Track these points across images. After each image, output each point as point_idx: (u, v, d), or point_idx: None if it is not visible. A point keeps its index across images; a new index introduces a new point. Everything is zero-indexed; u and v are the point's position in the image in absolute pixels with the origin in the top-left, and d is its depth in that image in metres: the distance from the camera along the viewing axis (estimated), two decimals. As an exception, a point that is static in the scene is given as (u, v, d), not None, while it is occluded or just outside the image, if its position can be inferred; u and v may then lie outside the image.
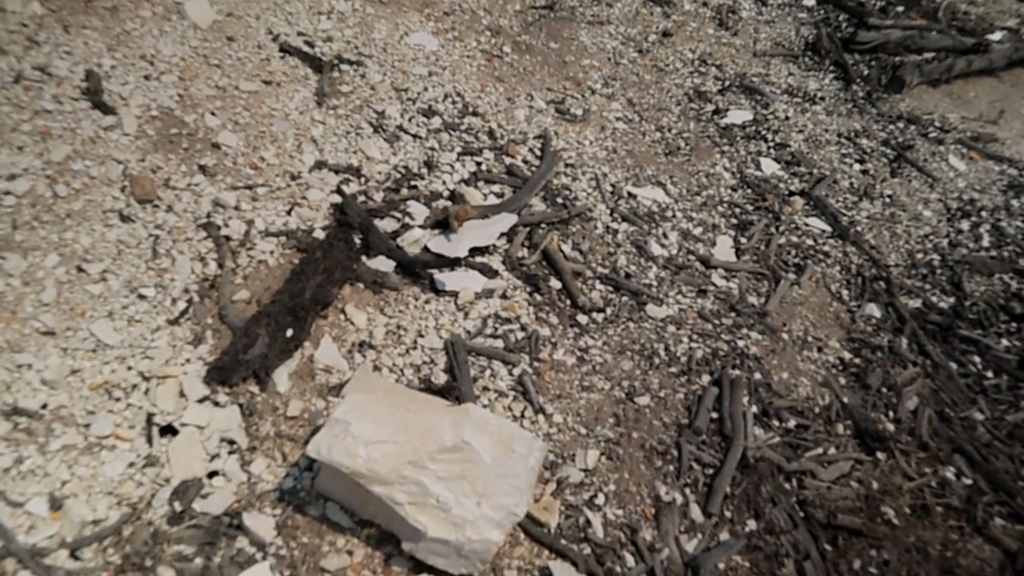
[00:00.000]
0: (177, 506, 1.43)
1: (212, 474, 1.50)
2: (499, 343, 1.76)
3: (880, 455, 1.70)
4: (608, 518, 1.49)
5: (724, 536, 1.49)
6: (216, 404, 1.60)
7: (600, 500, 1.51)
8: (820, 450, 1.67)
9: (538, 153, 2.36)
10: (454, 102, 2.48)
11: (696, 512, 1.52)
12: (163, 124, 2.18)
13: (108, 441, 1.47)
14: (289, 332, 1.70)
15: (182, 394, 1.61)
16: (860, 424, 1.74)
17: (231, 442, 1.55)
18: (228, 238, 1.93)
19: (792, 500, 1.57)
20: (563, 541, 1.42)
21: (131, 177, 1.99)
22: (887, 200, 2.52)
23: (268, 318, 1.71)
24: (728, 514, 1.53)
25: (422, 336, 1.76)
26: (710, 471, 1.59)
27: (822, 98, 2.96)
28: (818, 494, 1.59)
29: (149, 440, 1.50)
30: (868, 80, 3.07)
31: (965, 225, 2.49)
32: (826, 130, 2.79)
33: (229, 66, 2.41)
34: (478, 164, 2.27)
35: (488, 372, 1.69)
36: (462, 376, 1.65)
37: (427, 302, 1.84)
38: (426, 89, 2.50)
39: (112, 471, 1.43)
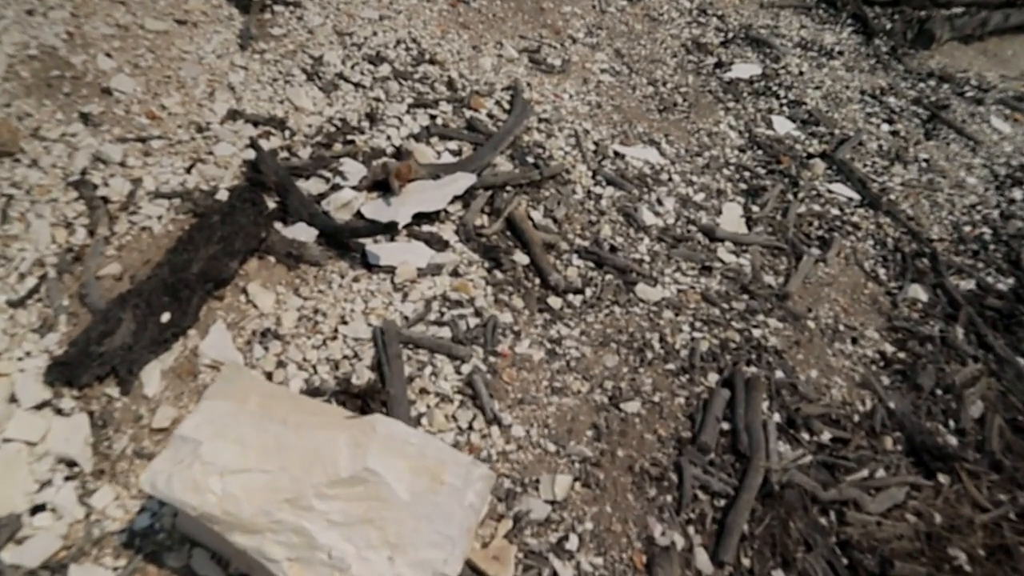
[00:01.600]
0: (-21, 557, 1.02)
1: (37, 509, 1.09)
2: (445, 332, 1.35)
3: (942, 478, 1.29)
4: (583, 570, 1.08)
5: (742, 593, 1.08)
6: (58, 412, 1.19)
7: (572, 544, 1.10)
8: (865, 472, 1.27)
9: (506, 107, 1.95)
10: (408, 49, 2.07)
11: (703, 560, 1.11)
12: (42, 65, 1.76)
13: None
14: (166, 316, 1.28)
15: (13, 398, 1.20)
16: (914, 437, 1.34)
17: (71, 464, 1.14)
18: (106, 199, 1.52)
19: (832, 542, 1.17)
20: (519, 605, 1.02)
21: (-12, 125, 1.57)
22: (923, 165, 2.12)
23: (138, 298, 1.30)
24: (747, 562, 1.12)
25: (345, 323, 1.35)
26: (721, 502, 1.18)
27: (840, 52, 2.55)
28: (865, 532, 1.18)
29: (-52, 464, 1.08)
30: (892, 34, 2.68)
31: (1017, 194, 2.09)
32: (847, 87, 2.38)
33: (136, 2, 2.00)
34: (432, 118, 1.87)
35: (428, 370, 1.29)
36: (392, 374, 1.24)
37: (355, 280, 1.43)
38: (375, 34, 2.09)
39: None
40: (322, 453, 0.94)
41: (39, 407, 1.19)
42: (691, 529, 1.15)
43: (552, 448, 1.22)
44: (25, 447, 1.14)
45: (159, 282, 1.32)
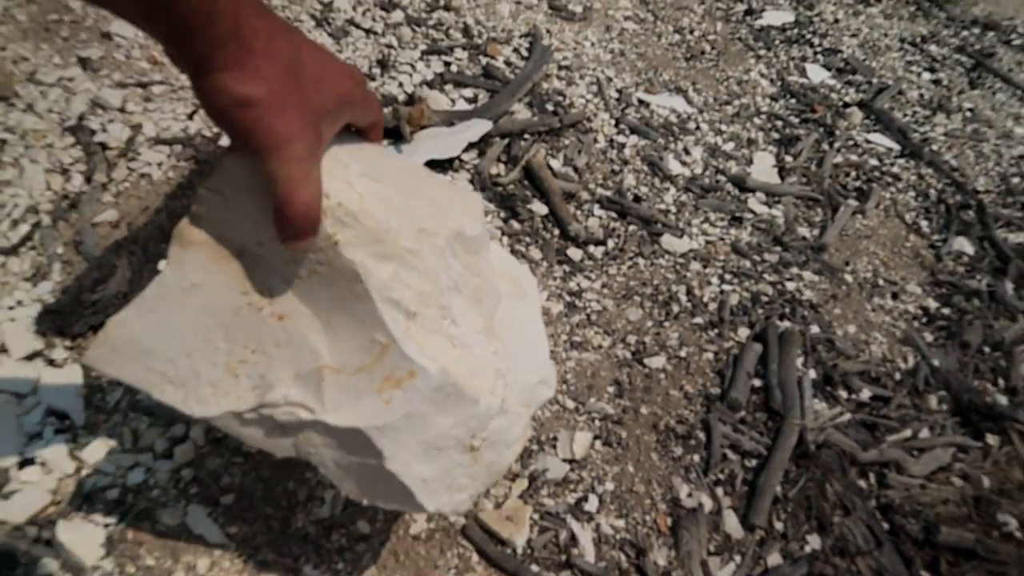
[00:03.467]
0: (-36, 511, 0.96)
1: (26, 463, 1.03)
2: (457, 283, 1.27)
3: (991, 439, 1.20)
4: (603, 532, 1.00)
5: (774, 559, 1.00)
6: (50, 362, 1.13)
7: (592, 505, 1.03)
8: (908, 432, 1.18)
9: (524, 54, 1.85)
10: (421, -8, 1.97)
11: (733, 523, 1.03)
12: (41, 9, 1.69)
13: None
14: (162, 264, 1.21)
15: (3, 348, 1.14)
16: (961, 396, 1.25)
17: (62, 416, 1.08)
18: (104, 145, 1.45)
19: (872, 505, 1.08)
20: (534, 568, 0.94)
21: (-18, 69, 1.50)
22: (968, 115, 1.99)
23: (135, 245, 1.23)
24: (779, 526, 1.04)
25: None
26: (752, 463, 1.10)
27: (878, 0, 2.41)
28: (908, 496, 1.10)
29: (-67, 415, 1.03)
30: (934, -20, 2.52)
31: (1069, 145, 1.96)
32: (885, 34, 2.25)
33: (137, -54, 1.91)
34: (447, 65, 1.77)
35: (439, 321, 1.20)
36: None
37: (363, 229, 1.34)
38: (385, -24, 1.99)
39: None
40: (444, 206, 0.61)
41: (30, 358, 1.13)
42: (720, 491, 1.07)
43: (571, 405, 1.14)
44: (14, 399, 1.08)
45: (156, 228, 1.26)
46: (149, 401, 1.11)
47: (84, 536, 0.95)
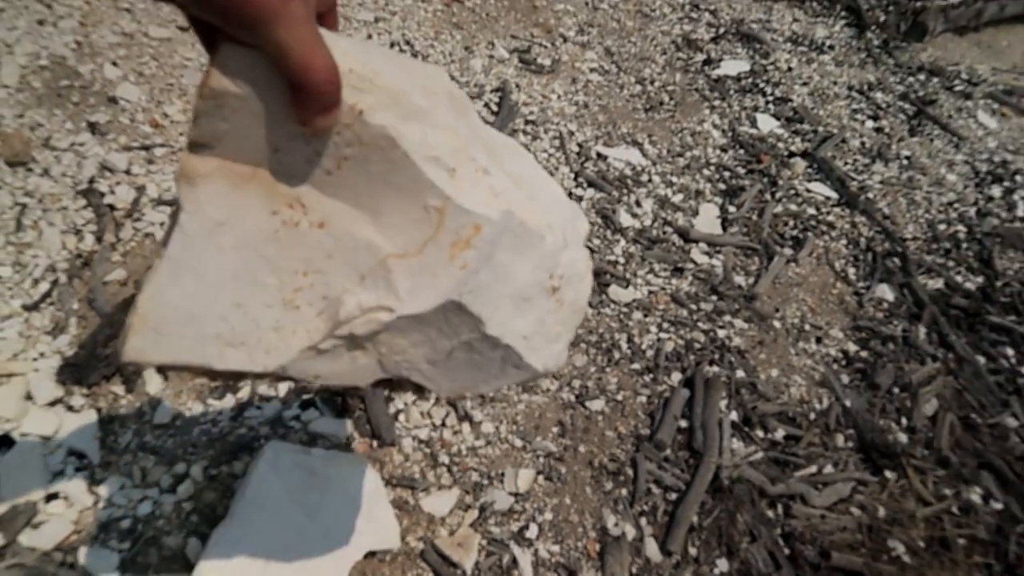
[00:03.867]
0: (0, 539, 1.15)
1: (51, 497, 1.21)
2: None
3: (889, 474, 1.37)
4: (540, 556, 1.18)
5: (687, 580, 1.18)
6: (69, 408, 1.31)
7: (532, 533, 1.20)
8: (814, 468, 1.35)
9: (495, 108, 2.03)
10: (401, 51, 2.14)
11: (652, 548, 1.21)
12: (53, 75, 1.87)
13: (-85, 459, 1.18)
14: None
15: (29, 396, 1.32)
16: (865, 434, 1.42)
17: (80, 456, 1.26)
18: (112, 207, 1.63)
19: (776, 533, 1.26)
20: (480, 588, 1.12)
21: (3, 135, 1.68)
22: (904, 162, 2.17)
23: (141, 303, 1.41)
24: (693, 551, 1.21)
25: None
26: (673, 496, 1.27)
27: (831, 47, 2.58)
28: (809, 525, 1.27)
29: (-29, 456, 1.21)
30: (885, 27, 2.69)
31: (996, 191, 2.13)
32: (835, 82, 2.42)
33: (141, 9, 2.09)
34: (423, 121, 1.94)
35: (407, 369, 1.38)
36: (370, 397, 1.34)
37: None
38: (370, 36, 2.16)
39: (-84, 497, 1.14)
40: (426, 72, 0.56)
41: (52, 404, 1.31)
42: (643, 520, 1.24)
43: (519, 443, 1.32)
44: (40, 441, 1.26)
45: (160, 287, 1.43)
46: (155, 441, 1.29)
47: (102, 560, 1.13)
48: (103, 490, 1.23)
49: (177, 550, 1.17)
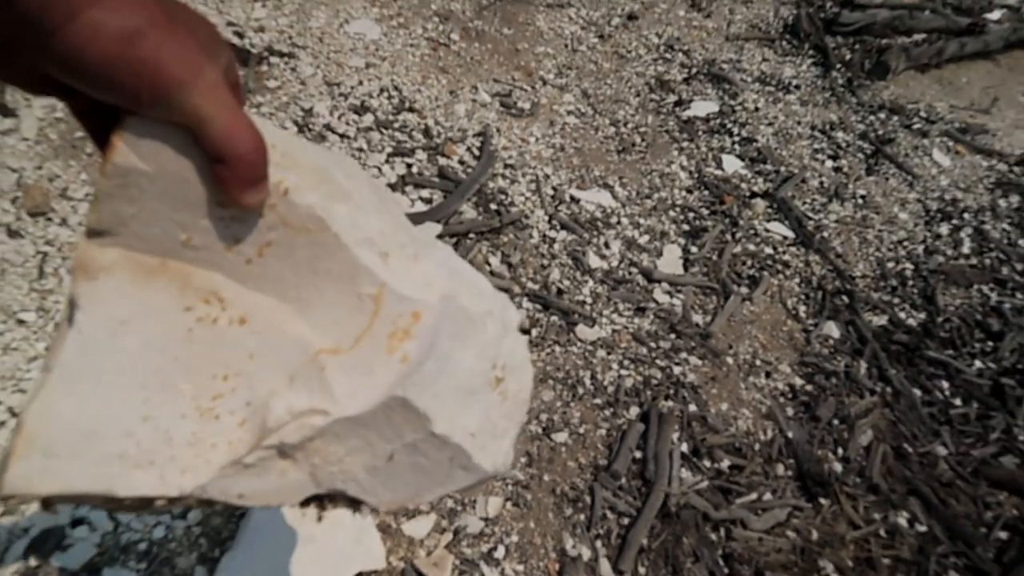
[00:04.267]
0: (32, 560, 1.31)
1: (76, 522, 1.37)
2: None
3: (823, 500, 1.54)
4: (506, 574, 1.34)
5: (635, 597, 1.34)
6: (89, 443, 1.47)
7: (500, 554, 1.36)
8: (755, 495, 1.51)
9: (476, 153, 2.19)
10: (390, 97, 2.31)
11: (606, 568, 1.37)
12: (68, 127, 2.03)
13: (-45, 491, 1.34)
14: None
15: (52, 432, 1.48)
16: (803, 464, 1.58)
17: (99, 487, 1.42)
18: (125, 253, 1.78)
19: (717, 554, 1.42)
20: (451, 605, 1.28)
21: (24, 187, 1.84)
22: (860, 201, 2.33)
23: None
24: (643, 571, 1.38)
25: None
26: (626, 521, 1.44)
27: (797, 86, 2.74)
28: (747, 547, 1.43)
29: (4, 488, 1.37)
30: (850, 65, 2.85)
31: (944, 229, 2.29)
32: (799, 122, 2.58)
33: (149, 59, 2.25)
34: (408, 167, 2.10)
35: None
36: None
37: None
38: (361, 83, 2.32)
39: (-43, 525, 1.31)
40: (341, 157, 0.52)
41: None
42: (598, 543, 1.40)
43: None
44: (63, 472, 1.42)
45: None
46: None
47: (119, 581, 1.29)
48: (122, 515, 1.39)
49: (188, 569, 1.33)
